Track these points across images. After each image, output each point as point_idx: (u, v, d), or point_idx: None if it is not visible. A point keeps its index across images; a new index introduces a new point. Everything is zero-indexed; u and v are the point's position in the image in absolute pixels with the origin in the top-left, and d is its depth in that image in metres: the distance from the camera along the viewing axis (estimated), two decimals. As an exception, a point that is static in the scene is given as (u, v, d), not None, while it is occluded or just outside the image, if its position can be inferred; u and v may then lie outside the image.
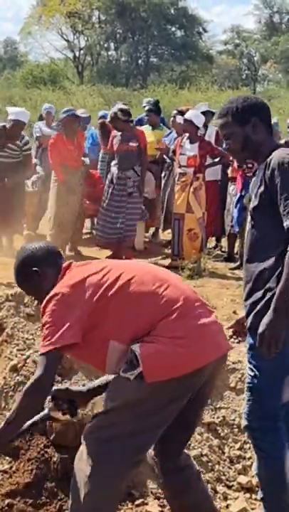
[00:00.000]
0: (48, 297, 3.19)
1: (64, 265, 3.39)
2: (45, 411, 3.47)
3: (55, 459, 3.99)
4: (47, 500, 3.86)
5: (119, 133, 9.51)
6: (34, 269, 3.37)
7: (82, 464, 3.13)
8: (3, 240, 9.90)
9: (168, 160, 10.45)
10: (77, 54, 50.15)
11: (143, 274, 3.23)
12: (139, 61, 52.26)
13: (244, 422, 3.57)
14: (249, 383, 3.50)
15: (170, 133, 10.78)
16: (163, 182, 10.77)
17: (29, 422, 3.39)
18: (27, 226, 10.70)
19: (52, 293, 3.19)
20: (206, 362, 3.10)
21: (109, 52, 52.24)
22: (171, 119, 10.81)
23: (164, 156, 10.50)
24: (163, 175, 10.81)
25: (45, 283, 3.33)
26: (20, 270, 3.43)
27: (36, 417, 3.44)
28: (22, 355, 4.54)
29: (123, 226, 9.53)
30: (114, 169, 9.56)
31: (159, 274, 3.32)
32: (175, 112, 10.76)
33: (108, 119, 9.88)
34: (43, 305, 3.20)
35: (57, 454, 4.01)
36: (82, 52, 50.40)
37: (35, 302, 4.89)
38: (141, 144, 9.53)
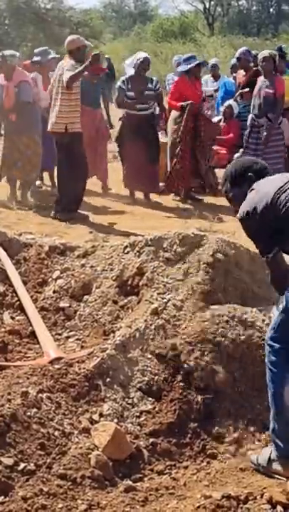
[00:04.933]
0: None
1: None
2: None
3: (198, 400, 4.01)
4: (190, 441, 3.90)
5: (263, 79, 9.38)
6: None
7: None
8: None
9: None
10: (207, 5, 49.33)
11: None
12: (271, 9, 50.88)
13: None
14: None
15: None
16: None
17: None
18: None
19: None
20: None
21: (240, 2, 51.12)
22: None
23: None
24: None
25: None
26: None
27: None
28: (162, 298, 4.55)
29: None
30: (250, 116, 9.44)
31: None
32: None
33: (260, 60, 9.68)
34: None
35: (199, 395, 4.03)
36: (212, 3, 49.50)
37: (174, 247, 4.89)
38: (277, 91, 9.32)
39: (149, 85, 9.80)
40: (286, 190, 3.44)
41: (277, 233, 3.50)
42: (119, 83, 10.00)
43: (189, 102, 9.68)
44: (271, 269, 3.69)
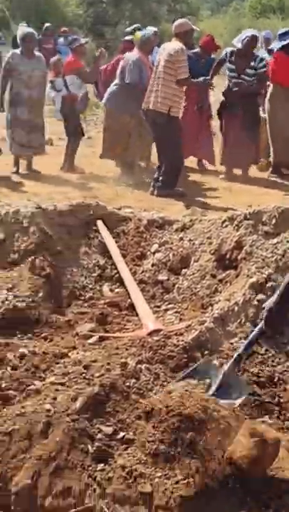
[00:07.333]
0: None
1: None
2: None
3: None
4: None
5: None
6: None
7: None
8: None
9: None
10: (307, -22, 48.15)
11: None
12: None
13: None
14: None
15: None
16: None
17: None
18: (261, 154, 10.59)
19: None
20: None
21: None
22: None
23: None
24: None
25: None
26: None
27: None
28: (261, 273, 4.49)
29: None
30: None
31: None
32: None
33: None
34: None
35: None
36: (313, -24, 48.27)
37: (274, 220, 4.82)
38: None
39: (252, 63, 9.71)
40: None
41: None
42: (222, 54, 10.04)
43: None
44: None
